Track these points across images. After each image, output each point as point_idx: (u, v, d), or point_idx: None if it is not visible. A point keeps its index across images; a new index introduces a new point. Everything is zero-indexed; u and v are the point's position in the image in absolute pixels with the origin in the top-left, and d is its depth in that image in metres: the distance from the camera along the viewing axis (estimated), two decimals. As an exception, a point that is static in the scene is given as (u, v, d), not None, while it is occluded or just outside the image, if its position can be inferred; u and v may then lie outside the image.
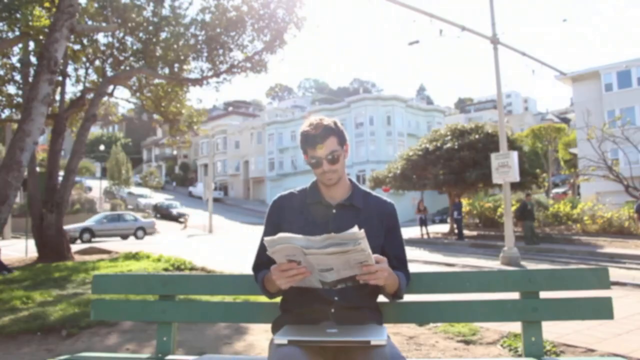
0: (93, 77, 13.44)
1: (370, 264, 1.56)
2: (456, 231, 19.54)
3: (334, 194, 1.92)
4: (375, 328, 1.66)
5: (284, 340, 1.51)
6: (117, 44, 12.81)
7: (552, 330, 3.84)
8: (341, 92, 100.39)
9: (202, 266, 8.62)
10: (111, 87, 12.81)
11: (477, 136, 19.86)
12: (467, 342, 3.84)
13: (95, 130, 62.57)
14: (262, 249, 1.95)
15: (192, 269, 8.45)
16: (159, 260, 9.21)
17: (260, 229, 2.02)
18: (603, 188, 23.31)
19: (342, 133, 1.88)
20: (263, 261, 1.94)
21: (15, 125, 10.86)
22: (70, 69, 12.82)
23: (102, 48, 12.98)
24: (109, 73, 12.76)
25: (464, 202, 21.76)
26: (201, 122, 15.49)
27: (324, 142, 1.82)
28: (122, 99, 16.39)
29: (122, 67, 12.85)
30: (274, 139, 53.82)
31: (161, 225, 33.22)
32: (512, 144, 19.07)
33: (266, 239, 1.54)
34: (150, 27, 12.39)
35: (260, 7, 11.73)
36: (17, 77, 12.03)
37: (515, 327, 3.83)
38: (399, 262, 1.93)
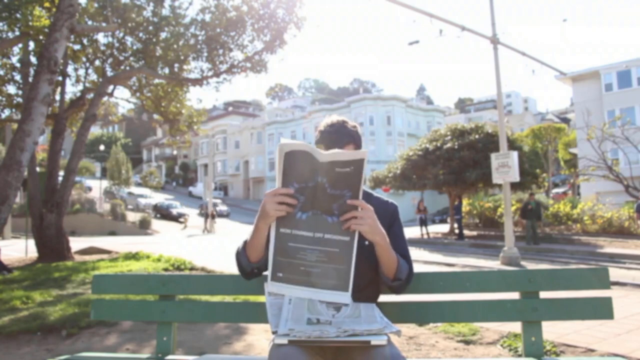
0: (93, 77, 13.44)
1: (355, 202, 1.55)
2: (457, 231, 19.55)
3: (337, 194, 1.91)
4: (376, 328, 1.65)
5: (284, 340, 1.51)
6: (117, 44, 12.81)
7: (552, 330, 3.85)
8: (341, 92, 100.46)
9: (202, 266, 8.62)
10: (111, 87, 12.79)
11: (477, 136, 19.86)
12: (467, 342, 3.84)
13: (95, 130, 62.60)
14: None
15: (192, 269, 8.44)
16: (158, 260, 9.21)
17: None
18: (603, 188, 23.31)
19: (360, 140, 1.88)
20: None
21: (15, 125, 10.86)
22: (70, 69, 12.83)
23: (102, 48, 12.98)
24: (109, 73, 12.76)
25: (464, 202, 21.76)
26: (201, 122, 15.47)
27: (343, 148, 1.80)
28: (122, 99, 16.40)
29: (122, 67, 12.85)
30: (274, 139, 53.84)
31: (161, 225, 33.25)
32: (512, 144, 19.10)
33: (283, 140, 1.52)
34: (150, 27, 12.39)
35: (260, 7, 11.73)
36: (17, 77, 12.03)
37: (515, 327, 3.84)
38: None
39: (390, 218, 1.93)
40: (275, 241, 1.58)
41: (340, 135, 1.81)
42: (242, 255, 1.80)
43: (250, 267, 1.79)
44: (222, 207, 41.96)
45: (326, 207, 1.57)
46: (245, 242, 1.79)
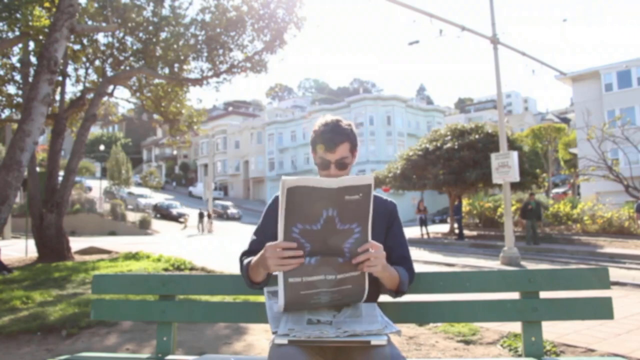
0: (93, 77, 13.45)
1: (367, 245, 1.54)
2: (457, 231, 19.55)
3: (336, 193, 1.90)
4: (376, 328, 1.65)
5: (284, 341, 1.51)
6: (117, 44, 12.81)
7: (552, 330, 3.85)
8: (341, 92, 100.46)
9: (202, 266, 8.62)
10: (111, 87, 12.80)
11: (477, 136, 19.86)
12: (467, 342, 3.84)
13: (95, 130, 62.60)
14: (255, 241, 1.91)
15: (192, 269, 8.45)
16: (158, 260, 9.21)
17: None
18: (603, 188, 23.31)
19: (355, 139, 1.86)
20: (253, 250, 1.89)
21: (15, 125, 10.86)
22: (70, 69, 12.83)
23: (102, 48, 12.98)
24: (109, 73, 12.77)
25: (464, 202, 21.76)
26: (201, 122, 15.48)
27: (336, 147, 1.79)
28: (122, 99, 16.40)
29: (122, 67, 12.85)
30: (274, 139, 53.84)
31: (161, 225, 33.25)
32: (512, 144, 19.10)
33: (284, 178, 1.43)
34: (150, 27, 12.40)
35: (260, 7, 11.74)
36: (17, 77, 12.03)
37: (515, 327, 3.84)
38: (401, 259, 1.91)
39: (389, 217, 1.92)
40: (285, 293, 1.53)
41: (334, 134, 1.80)
42: (244, 272, 1.82)
43: (253, 286, 1.82)
44: (233, 210, 41.70)
45: (335, 248, 1.53)
46: (249, 262, 1.77)
